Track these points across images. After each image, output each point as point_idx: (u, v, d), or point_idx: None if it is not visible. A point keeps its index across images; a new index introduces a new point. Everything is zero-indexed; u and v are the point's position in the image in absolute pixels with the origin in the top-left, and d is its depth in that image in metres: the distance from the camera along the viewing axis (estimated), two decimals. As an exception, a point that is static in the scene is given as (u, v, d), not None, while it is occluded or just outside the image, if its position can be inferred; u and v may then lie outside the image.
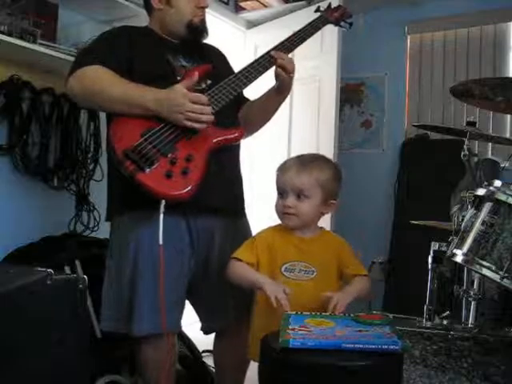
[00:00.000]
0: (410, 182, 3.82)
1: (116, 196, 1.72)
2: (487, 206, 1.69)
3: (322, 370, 1.19)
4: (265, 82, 1.81)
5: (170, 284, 1.57)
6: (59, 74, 1.86)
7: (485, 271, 1.64)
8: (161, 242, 1.52)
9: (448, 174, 3.29)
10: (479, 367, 1.78)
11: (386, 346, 1.19)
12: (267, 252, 1.57)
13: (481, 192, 1.75)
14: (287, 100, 1.91)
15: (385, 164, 3.98)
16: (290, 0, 3.59)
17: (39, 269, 1.48)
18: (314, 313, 1.41)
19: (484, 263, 1.64)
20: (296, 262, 1.55)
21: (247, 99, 1.93)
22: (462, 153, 2.23)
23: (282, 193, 1.56)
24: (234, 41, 3.73)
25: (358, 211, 3.72)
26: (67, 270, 2.03)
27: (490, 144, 3.53)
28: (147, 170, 1.50)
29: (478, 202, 1.75)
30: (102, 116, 2.32)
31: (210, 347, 1.92)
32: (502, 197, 1.65)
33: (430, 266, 2.33)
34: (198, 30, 1.81)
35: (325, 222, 1.69)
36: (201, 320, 1.82)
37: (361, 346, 1.19)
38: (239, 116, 1.88)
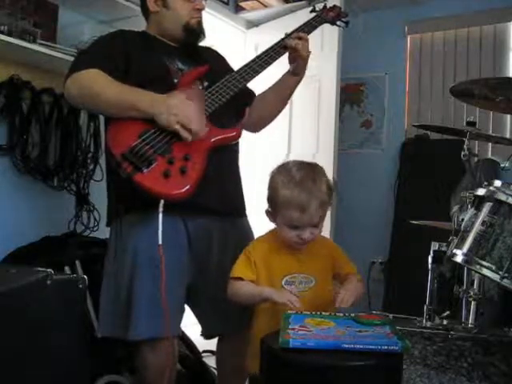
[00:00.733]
0: (410, 182, 3.82)
1: (114, 199, 1.72)
2: (487, 206, 1.69)
3: (321, 371, 1.18)
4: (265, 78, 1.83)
5: (170, 286, 1.56)
6: (59, 74, 1.86)
7: (485, 271, 1.64)
8: (160, 241, 1.51)
9: (448, 174, 3.30)
10: (479, 367, 1.78)
11: (385, 347, 1.19)
12: (265, 266, 1.54)
13: (481, 192, 1.75)
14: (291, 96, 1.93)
15: (385, 164, 3.98)
16: (290, 0, 3.59)
17: (39, 269, 1.48)
18: (314, 312, 1.41)
19: (484, 263, 1.64)
20: (296, 274, 1.53)
21: (254, 94, 1.94)
22: (462, 153, 2.23)
23: (296, 227, 1.49)
24: (234, 41, 3.73)
25: (358, 211, 3.72)
26: (67, 270, 2.03)
27: (490, 144, 3.53)
28: (145, 171, 1.50)
29: (478, 202, 1.75)
30: (102, 116, 2.31)
31: (210, 347, 1.92)
32: (502, 197, 1.65)
33: (430, 266, 2.33)
34: (195, 32, 1.82)
35: (325, 221, 1.68)
36: (200, 324, 1.81)
37: (361, 346, 1.19)
38: (253, 110, 1.88)
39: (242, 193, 1.86)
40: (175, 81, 1.71)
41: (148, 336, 1.60)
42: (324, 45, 3.25)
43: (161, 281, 1.51)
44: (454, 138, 2.58)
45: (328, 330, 1.29)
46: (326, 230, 2.00)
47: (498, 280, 1.59)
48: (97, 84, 1.62)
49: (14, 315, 1.36)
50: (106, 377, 1.93)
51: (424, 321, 2.24)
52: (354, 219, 3.58)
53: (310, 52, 1.81)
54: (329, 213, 1.65)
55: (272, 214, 1.54)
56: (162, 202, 1.51)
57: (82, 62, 1.69)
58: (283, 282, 1.52)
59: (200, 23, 1.83)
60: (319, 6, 2.03)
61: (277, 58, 1.80)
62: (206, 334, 1.81)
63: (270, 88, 1.92)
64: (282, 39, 1.82)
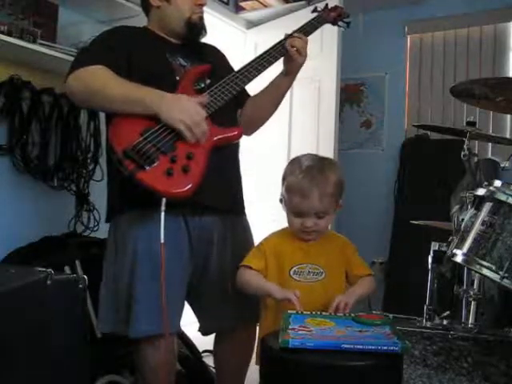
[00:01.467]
0: (410, 181, 3.82)
1: (115, 196, 1.72)
2: (487, 206, 1.69)
3: (321, 371, 1.18)
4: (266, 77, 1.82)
5: (169, 284, 1.56)
6: (59, 74, 1.86)
7: (485, 271, 1.64)
8: (162, 240, 1.52)
9: (448, 174, 3.31)
10: (479, 367, 1.78)
11: (385, 347, 1.19)
12: (275, 257, 1.58)
13: (481, 192, 1.75)
14: (287, 100, 1.91)
15: (385, 164, 3.98)
16: (290, 0, 3.59)
17: (39, 269, 1.48)
18: (314, 312, 1.41)
19: (484, 263, 1.64)
20: (304, 265, 1.55)
21: (248, 95, 1.93)
22: (462, 153, 2.23)
23: (300, 214, 1.54)
24: (234, 41, 3.74)
25: (358, 211, 3.71)
26: (67, 269, 2.03)
27: (490, 144, 3.53)
28: (147, 169, 1.49)
29: (478, 202, 1.75)
30: (102, 116, 2.31)
31: (210, 347, 1.92)
32: (502, 197, 1.65)
33: (430, 266, 2.33)
34: (197, 27, 1.81)
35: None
36: (199, 320, 1.81)
37: (361, 346, 1.19)
38: (243, 112, 1.88)
39: (241, 192, 1.86)
40: (177, 78, 1.70)
41: (148, 333, 1.60)
42: (324, 45, 3.25)
43: (160, 278, 1.52)
44: (454, 138, 2.58)
45: (328, 330, 1.29)
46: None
47: (498, 280, 1.59)
48: (99, 79, 1.62)
49: (14, 315, 1.36)
50: (106, 377, 1.93)
51: (424, 321, 2.24)
52: (354, 219, 3.57)
53: (306, 54, 1.80)
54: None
55: (282, 201, 1.59)
56: (164, 200, 1.51)
57: (83, 59, 1.68)
58: (291, 272, 1.55)
59: (202, 19, 1.83)
60: (320, 6, 2.02)
61: (278, 58, 1.79)
62: (204, 331, 1.81)
63: (261, 91, 1.91)
64: (284, 39, 1.82)
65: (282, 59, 1.81)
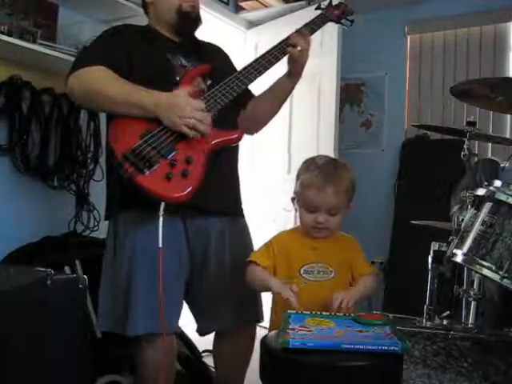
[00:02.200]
0: (410, 181, 3.82)
1: (114, 196, 1.72)
2: (487, 206, 1.69)
3: (321, 371, 1.19)
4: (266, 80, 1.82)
5: (167, 284, 1.56)
6: (59, 74, 1.86)
7: (485, 271, 1.64)
8: (160, 244, 1.51)
9: (448, 174, 3.30)
10: (479, 367, 1.79)
11: (385, 347, 1.19)
12: (284, 255, 1.59)
13: (481, 192, 1.75)
14: (287, 99, 1.91)
15: (385, 164, 3.98)
16: (290, 0, 3.59)
17: (39, 269, 1.48)
18: (314, 312, 1.41)
19: (484, 263, 1.64)
20: (314, 264, 1.57)
21: (253, 95, 1.93)
22: (462, 153, 2.23)
23: (312, 209, 1.56)
24: (234, 41, 3.73)
25: (358, 211, 3.69)
26: (67, 270, 2.03)
27: (490, 144, 3.52)
28: (147, 173, 1.49)
29: (478, 202, 1.75)
30: (102, 116, 2.31)
31: (210, 347, 1.92)
32: (502, 197, 1.65)
33: (430, 266, 2.33)
34: (190, 16, 1.79)
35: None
36: (196, 321, 1.81)
37: (361, 346, 1.19)
38: (247, 112, 1.87)
39: (239, 194, 1.85)
40: (177, 78, 1.69)
41: (145, 331, 1.61)
42: (324, 44, 3.25)
43: (158, 280, 1.52)
44: (454, 138, 2.58)
45: (328, 330, 1.29)
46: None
47: (498, 280, 1.60)
48: (100, 81, 1.61)
49: (14, 315, 1.36)
50: (106, 377, 1.93)
51: (424, 321, 2.24)
52: (353, 219, 3.56)
53: (308, 54, 1.79)
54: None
55: (295, 199, 1.62)
56: (163, 204, 1.51)
57: (84, 59, 1.68)
58: (302, 271, 1.57)
59: (195, 8, 1.81)
60: (324, 4, 1.98)
61: (280, 58, 1.78)
62: (201, 331, 1.81)
63: (265, 91, 1.90)
64: (286, 38, 1.80)
65: (285, 59, 1.80)
